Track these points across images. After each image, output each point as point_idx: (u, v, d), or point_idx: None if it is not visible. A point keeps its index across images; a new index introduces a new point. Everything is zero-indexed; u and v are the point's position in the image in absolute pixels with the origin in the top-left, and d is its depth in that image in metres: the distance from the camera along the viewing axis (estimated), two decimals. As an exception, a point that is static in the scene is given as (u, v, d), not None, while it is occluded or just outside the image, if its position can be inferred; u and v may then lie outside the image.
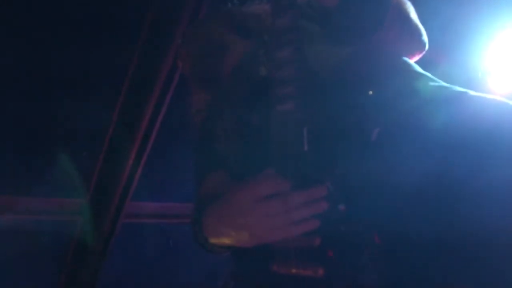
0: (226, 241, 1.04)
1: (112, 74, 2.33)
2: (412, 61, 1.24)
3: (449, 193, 0.96)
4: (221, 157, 1.20)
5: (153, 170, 2.63)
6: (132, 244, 2.88)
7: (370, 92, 1.05)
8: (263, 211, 0.95)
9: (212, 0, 2.08)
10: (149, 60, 2.23)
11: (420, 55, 1.27)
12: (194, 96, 1.34)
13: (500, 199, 0.95)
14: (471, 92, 1.11)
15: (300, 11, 1.06)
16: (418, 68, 1.20)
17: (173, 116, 2.41)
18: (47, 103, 2.26)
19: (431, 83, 1.14)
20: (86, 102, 2.27)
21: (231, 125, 1.19)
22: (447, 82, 1.16)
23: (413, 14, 1.22)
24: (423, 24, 1.26)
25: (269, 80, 1.04)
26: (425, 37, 1.24)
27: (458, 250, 0.95)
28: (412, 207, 0.97)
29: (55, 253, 2.68)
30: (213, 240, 1.06)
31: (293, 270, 0.96)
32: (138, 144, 2.44)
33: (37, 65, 2.15)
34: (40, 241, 2.59)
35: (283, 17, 1.03)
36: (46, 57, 2.15)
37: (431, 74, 1.19)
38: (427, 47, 1.26)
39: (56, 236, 2.65)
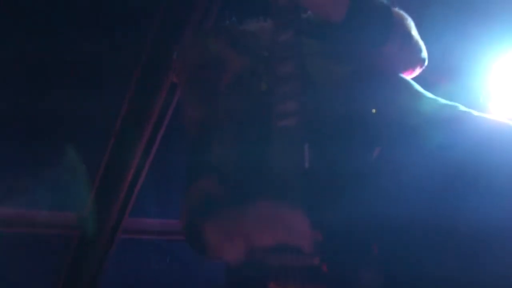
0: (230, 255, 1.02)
1: (106, 110, 2.35)
2: (411, 76, 1.25)
3: (449, 213, 0.96)
4: (215, 164, 1.18)
5: (153, 187, 2.62)
6: (130, 261, 2.86)
7: (374, 110, 1.04)
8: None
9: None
10: (148, 83, 2.25)
11: (420, 70, 1.27)
12: (190, 112, 1.33)
13: (502, 225, 0.95)
14: (474, 112, 1.12)
15: (301, 28, 1.07)
16: (419, 87, 1.21)
17: (174, 131, 2.41)
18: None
19: (433, 102, 1.14)
20: (89, 106, 2.28)
21: (229, 140, 1.18)
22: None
23: (414, 30, 1.23)
24: (427, 45, 1.27)
25: (269, 95, 1.04)
26: (425, 53, 1.25)
27: (458, 275, 0.94)
28: (412, 225, 0.96)
29: (51, 268, 2.66)
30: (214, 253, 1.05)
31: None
32: (138, 158, 2.43)
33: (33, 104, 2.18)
34: (36, 255, 2.58)
35: (285, 32, 1.03)
36: (43, 97, 2.18)
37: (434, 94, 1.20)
38: (426, 62, 1.27)
39: (52, 251, 2.63)
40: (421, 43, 1.23)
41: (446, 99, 1.22)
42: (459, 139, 1.04)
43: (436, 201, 0.97)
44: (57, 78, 2.23)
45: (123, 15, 2.11)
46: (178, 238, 2.79)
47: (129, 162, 2.44)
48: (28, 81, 2.18)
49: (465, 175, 0.99)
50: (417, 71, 1.25)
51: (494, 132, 1.07)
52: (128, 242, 2.78)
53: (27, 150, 2.29)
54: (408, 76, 1.24)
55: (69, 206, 2.52)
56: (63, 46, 2.12)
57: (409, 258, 0.96)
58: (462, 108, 1.11)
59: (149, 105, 2.30)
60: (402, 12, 1.20)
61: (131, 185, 2.48)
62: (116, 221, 2.55)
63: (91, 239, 2.56)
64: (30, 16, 2.03)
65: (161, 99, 2.27)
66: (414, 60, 1.22)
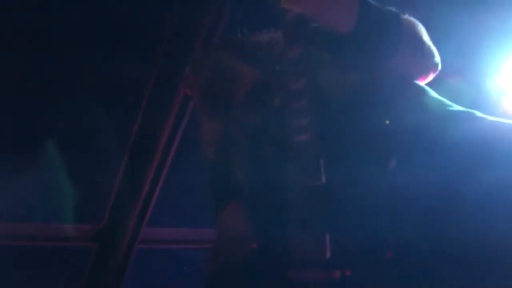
0: None
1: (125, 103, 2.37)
2: (425, 81, 1.24)
3: (460, 215, 0.96)
4: (236, 187, 1.18)
5: (168, 195, 2.63)
6: (147, 270, 2.87)
7: (387, 122, 1.04)
8: None
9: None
10: (161, 94, 2.27)
11: (434, 76, 1.27)
12: (204, 126, 1.34)
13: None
14: (490, 118, 1.11)
15: (310, 40, 1.06)
16: (434, 94, 1.20)
17: (188, 141, 2.42)
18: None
19: (449, 108, 1.13)
20: (104, 119, 2.30)
21: (246, 155, 1.18)
22: (462, 103, 1.16)
23: (425, 36, 1.22)
24: (437, 45, 1.26)
25: (283, 111, 1.03)
26: (437, 58, 1.24)
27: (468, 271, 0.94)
28: (426, 230, 0.96)
29: (71, 280, 2.68)
30: None
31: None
32: (154, 169, 2.45)
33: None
34: (55, 268, 2.60)
35: (295, 47, 1.03)
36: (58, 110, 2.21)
37: (446, 94, 1.19)
38: (440, 67, 1.26)
39: (71, 263, 2.66)
40: (433, 49, 1.22)
41: (459, 96, 1.21)
42: (474, 144, 1.03)
43: (446, 205, 0.97)
44: (71, 93, 2.26)
45: (133, 30, 2.13)
46: (195, 247, 2.81)
47: (145, 173, 2.45)
48: (42, 97, 2.20)
49: (474, 176, 0.99)
50: (431, 77, 1.24)
51: (504, 133, 1.06)
52: (145, 252, 2.80)
53: (47, 165, 2.32)
54: (422, 82, 1.23)
55: (87, 218, 2.55)
56: (75, 60, 2.15)
57: (425, 265, 0.96)
58: (478, 114, 1.10)
59: (163, 118, 2.31)
60: (412, 19, 1.19)
61: (148, 196, 2.50)
62: (134, 232, 2.56)
63: (109, 251, 2.58)
64: (40, 31, 2.05)
65: (174, 112, 2.28)
66: (427, 66, 1.22)
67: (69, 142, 2.35)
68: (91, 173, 2.49)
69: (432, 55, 1.23)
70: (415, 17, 1.24)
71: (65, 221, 2.48)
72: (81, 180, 2.42)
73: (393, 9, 1.16)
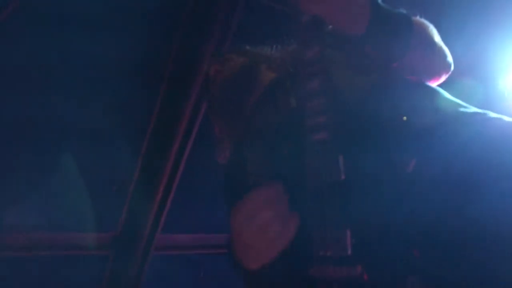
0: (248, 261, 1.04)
1: (138, 111, 2.40)
2: (438, 82, 1.25)
3: (478, 213, 0.96)
4: (253, 188, 1.19)
5: (183, 201, 2.65)
6: (163, 277, 2.88)
7: (404, 118, 1.05)
8: (250, 228, 0.97)
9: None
10: (173, 98, 2.28)
11: (446, 76, 1.27)
12: (220, 127, 1.35)
13: None
14: (506, 118, 1.11)
15: (325, 42, 1.08)
16: (447, 95, 1.20)
17: (202, 145, 2.44)
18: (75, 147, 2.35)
19: (463, 110, 1.14)
20: (113, 134, 2.33)
21: (263, 157, 1.20)
22: (473, 102, 1.16)
23: (437, 37, 1.23)
24: (447, 44, 1.26)
25: (299, 111, 1.05)
26: (450, 58, 1.25)
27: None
28: (446, 227, 0.97)
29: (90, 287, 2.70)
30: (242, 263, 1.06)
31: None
32: (168, 175, 2.47)
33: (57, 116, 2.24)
34: (72, 277, 2.61)
35: (310, 48, 1.05)
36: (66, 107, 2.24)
37: (457, 94, 1.19)
38: (452, 67, 1.26)
39: (88, 271, 2.67)
40: (445, 49, 1.23)
41: (469, 95, 1.22)
42: (490, 146, 1.03)
43: (464, 204, 0.98)
44: (83, 97, 2.29)
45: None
46: (211, 252, 2.81)
47: (159, 179, 2.47)
48: (60, 116, 2.24)
49: (490, 177, 0.99)
50: (444, 77, 1.25)
51: None
52: (161, 258, 2.81)
53: (63, 175, 2.34)
54: (435, 83, 1.24)
55: (102, 226, 2.57)
56: (84, 60, 2.18)
57: (448, 261, 0.96)
58: (493, 115, 1.10)
59: (175, 123, 2.33)
60: (423, 20, 1.21)
61: (162, 203, 2.52)
62: (149, 239, 2.58)
63: (125, 258, 2.59)
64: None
65: (188, 116, 2.30)
66: (439, 67, 1.23)
67: (84, 152, 2.38)
68: (106, 182, 2.51)
69: (444, 56, 1.23)
70: (425, 18, 1.25)
71: (81, 229, 2.50)
72: (96, 188, 2.45)
73: (404, 11, 1.17)
